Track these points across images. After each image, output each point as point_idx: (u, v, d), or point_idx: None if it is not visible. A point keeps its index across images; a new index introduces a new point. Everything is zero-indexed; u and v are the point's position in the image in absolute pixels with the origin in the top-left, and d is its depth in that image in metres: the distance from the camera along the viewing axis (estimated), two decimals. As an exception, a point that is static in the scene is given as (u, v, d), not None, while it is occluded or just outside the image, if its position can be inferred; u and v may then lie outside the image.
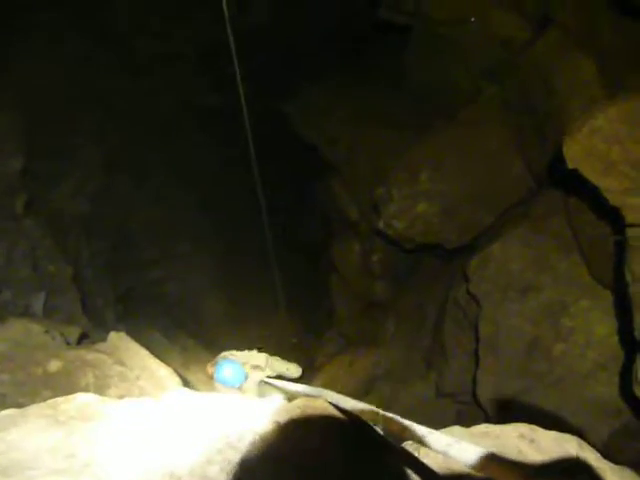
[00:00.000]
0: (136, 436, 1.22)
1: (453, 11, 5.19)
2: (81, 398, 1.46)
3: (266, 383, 4.46)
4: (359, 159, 6.67)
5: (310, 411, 1.41)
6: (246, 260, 10.68)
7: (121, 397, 3.04)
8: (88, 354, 2.97)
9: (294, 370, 4.99)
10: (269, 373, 4.58)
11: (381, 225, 5.51)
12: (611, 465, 1.37)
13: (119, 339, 3.40)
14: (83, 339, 4.22)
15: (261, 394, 4.68)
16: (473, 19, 5.09)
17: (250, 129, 4.95)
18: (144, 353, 3.48)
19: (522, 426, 1.48)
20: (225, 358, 4.46)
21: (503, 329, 4.29)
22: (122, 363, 3.10)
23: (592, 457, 1.36)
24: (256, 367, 4.51)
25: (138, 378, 3.13)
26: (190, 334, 9.52)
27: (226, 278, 10.56)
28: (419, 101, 6.26)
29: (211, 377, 4.46)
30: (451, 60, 5.71)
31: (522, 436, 1.53)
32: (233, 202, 10.16)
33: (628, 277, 3.04)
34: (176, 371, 3.96)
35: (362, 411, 1.39)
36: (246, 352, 4.68)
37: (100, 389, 2.81)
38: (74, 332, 3.90)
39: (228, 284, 10.65)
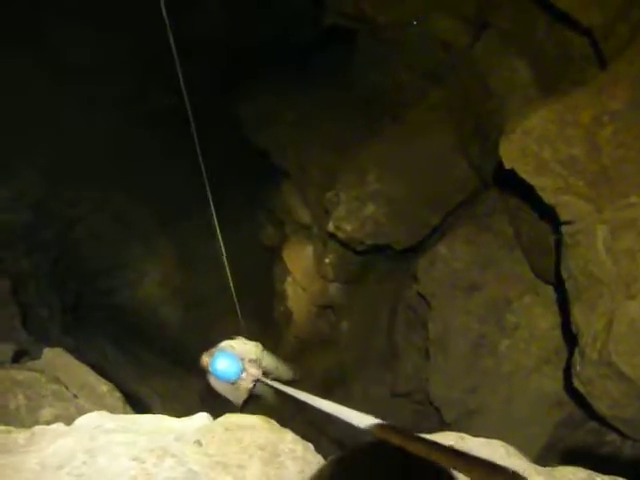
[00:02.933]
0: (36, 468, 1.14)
1: (395, 15, 5.23)
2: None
3: (261, 382, 4.35)
4: (309, 163, 6.65)
5: (234, 428, 1.36)
6: (200, 266, 10.50)
7: (56, 417, 2.91)
8: (19, 374, 2.82)
9: (283, 371, 4.88)
10: (263, 367, 4.45)
11: (331, 227, 5.51)
12: (538, 468, 1.38)
13: (56, 355, 3.25)
14: (21, 356, 4.01)
15: (254, 392, 4.55)
16: (415, 22, 5.15)
17: (199, 134, 4.85)
18: (84, 369, 3.33)
19: (450, 434, 1.47)
20: (222, 349, 4.27)
21: (451, 328, 4.36)
22: (58, 381, 2.96)
23: (519, 462, 1.36)
24: (252, 361, 4.37)
25: (76, 396, 2.99)
26: (144, 344, 9.28)
27: (181, 285, 10.35)
28: (366, 104, 6.30)
29: (205, 369, 4.29)
30: (395, 63, 5.77)
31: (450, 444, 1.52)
32: (185, 208, 9.97)
33: (564, 273, 3.12)
34: (122, 385, 3.82)
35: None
36: (242, 342, 4.52)
37: (32, 410, 2.67)
38: (9, 350, 3.70)
39: (183, 291, 10.45)
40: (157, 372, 8.37)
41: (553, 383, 3.88)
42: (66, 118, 6.58)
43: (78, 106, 6.68)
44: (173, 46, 4.38)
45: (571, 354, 3.66)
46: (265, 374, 4.43)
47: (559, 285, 3.76)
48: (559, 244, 3.27)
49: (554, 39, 3.91)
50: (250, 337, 5.02)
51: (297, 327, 7.82)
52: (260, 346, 4.64)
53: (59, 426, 1.34)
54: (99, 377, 3.21)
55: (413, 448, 0.88)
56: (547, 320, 3.91)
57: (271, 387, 4.24)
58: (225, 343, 4.43)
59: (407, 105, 5.70)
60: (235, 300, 6.73)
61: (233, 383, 4.27)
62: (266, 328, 9.07)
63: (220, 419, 1.40)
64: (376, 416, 1.17)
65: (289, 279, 7.86)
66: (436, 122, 5.29)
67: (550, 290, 4.04)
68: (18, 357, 3.90)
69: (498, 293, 4.13)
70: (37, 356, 3.76)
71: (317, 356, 6.91)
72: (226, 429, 1.34)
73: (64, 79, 6.42)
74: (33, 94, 6.19)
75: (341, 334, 6.53)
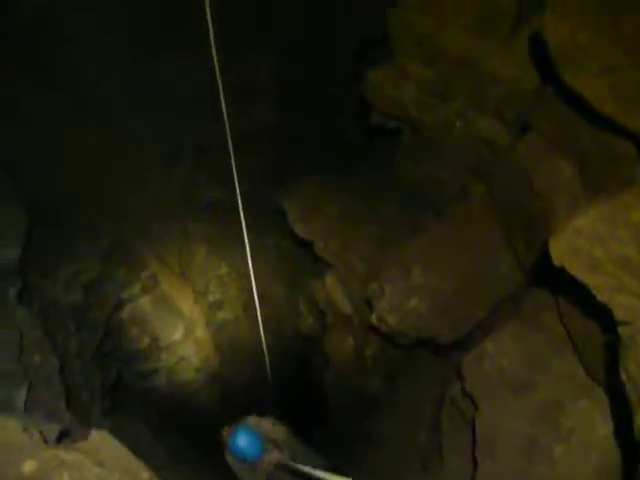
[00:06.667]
0: None
1: (439, 116, 5.52)
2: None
3: (284, 466, 3.92)
4: (352, 255, 6.79)
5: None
6: (238, 351, 10.51)
7: (97, 502, 2.87)
8: (66, 454, 2.83)
9: (312, 462, 4.25)
10: (287, 453, 4.02)
11: (374, 320, 5.50)
12: None
13: (101, 438, 3.26)
14: (64, 437, 4.03)
15: (274, 477, 4.07)
16: (459, 123, 5.42)
17: (246, 222, 5.08)
18: (127, 454, 3.31)
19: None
20: (246, 426, 3.93)
21: (500, 430, 4.15)
22: (102, 464, 2.95)
23: None
24: (276, 443, 3.97)
25: (118, 481, 2.97)
26: (179, 430, 9.14)
27: (218, 373, 10.32)
28: (409, 198, 6.49)
29: (225, 445, 3.94)
30: (438, 159, 6.00)
31: None
32: (227, 294, 10.18)
33: (623, 376, 2.99)
34: (161, 472, 3.74)
35: None
36: (271, 422, 4.15)
37: (76, 493, 2.65)
38: (54, 429, 3.73)
39: (220, 379, 10.39)
40: (190, 461, 8.16)
41: (616, 498, 3.58)
42: (128, 201, 7.04)
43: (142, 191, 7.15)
44: (229, 139, 4.76)
45: (629, 465, 3.42)
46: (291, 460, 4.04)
47: (612, 389, 3.60)
48: (614, 345, 3.17)
49: (599, 141, 4.01)
50: (282, 422, 4.67)
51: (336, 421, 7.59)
52: (289, 430, 4.30)
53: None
54: (141, 463, 3.18)
55: None
56: (607, 426, 3.68)
57: (295, 472, 3.83)
58: (251, 419, 4.10)
59: (450, 200, 5.85)
60: (271, 391, 6.67)
61: (251, 465, 3.91)
62: (303, 422, 8.84)
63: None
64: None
65: (329, 370, 7.75)
66: (480, 218, 5.38)
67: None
68: (61, 437, 3.92)
69: (550, 395, 3.95)
70: (79, 437, 3.78)
71: (357, 451, 6.63)
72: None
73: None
74: (100, 181, 6.69)
75: (382, 430, 6.28)
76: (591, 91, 3.56)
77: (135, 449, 3.44)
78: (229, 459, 4.04)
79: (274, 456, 3.86)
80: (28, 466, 2.72)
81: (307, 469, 3.31)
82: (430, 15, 5.13)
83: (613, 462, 3.70)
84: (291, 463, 3.79)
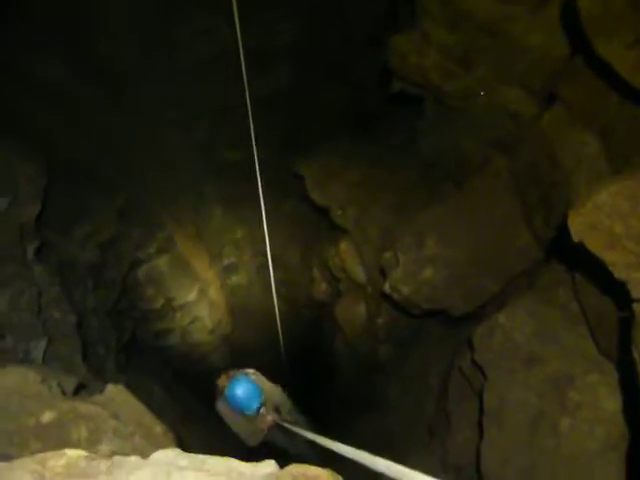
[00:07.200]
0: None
1: (462, 85, 5.39)
2: (69, 454, 1.43)
3: (280, 426, 3.79)
4: (368, 223, 6.77)
5: (301, 477, 1.38)
6: (250, 314, 10.65)
7: (113, 453, 2.97)
8: (83, 406, 2.92)
9: (302, 424, 4.09)
10: (284, 416, 3.83)
11: (387, 289, 5.51)
12: None
13: (117, 392, 3.35)
14: (81, 389, 4.15)
15: (268, 439, 3.88)
16: (482, 93, 5.28)
17: (262, 186, 5.07)
18: (141, 408, 3.41)
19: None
20: (246, 375, 3.91)
21: (508, 401, 4.19)
22: (117, 417, 3.04)
23: None
24: (275, 406, 3.79)
25: (132, 434, 3.06)
26: (191, 389, 9.37)
27: (230, 336, 10.49)
28: (428, 168, 6.42)
29: (220, 391, 3.78)
30: (461, 130, 5.88)
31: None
32: (240, 258, 10.25)
33: (635, 354, 2.98)
34: (173, 428, 3.84)
35: None
36: (272, 384, 3.93)
37: (92, 444, 2.75)
38: (71, 382, 3.84)
39: (232, 341, 10.57)
40: (199, 419, 8.38)
41: (620, 473, 3.62)
42: (145, 163, 7.07)
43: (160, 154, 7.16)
44: (249, 103, 4.70)
45: (636, 442, 3.44)
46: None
47: (624, 365, 3.59)
48: (628, 322, 3.15)
49: (625, 114, 3.90)
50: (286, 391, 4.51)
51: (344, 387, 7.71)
52: (283, 391, 4.08)
53: (137, 459, 1.39)
54: (155, 418, 3.27)
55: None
56: (614, 402, 3.70)
57: (289, 432, 3.65)
58: (251, 371, 3.89)
59: (470, 172, 5.76)
60: (282, 356, 6.75)
61: (249, 417, 3.73)
62: (312, 386, 8.99)
63: (288, 468, 1.42)
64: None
65: (339, 336, 7.83)
66: (499, 190, 5.30)
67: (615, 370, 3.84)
68: (78, 390, 4.04)
69: (560, 368, 3.96)
70: (95, 390, 3.89)
71: (363, 418, 6.75)
72: (294, 478, 1.36)
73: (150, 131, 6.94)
74: (117, 143, 6.71)
75: (390, 398, 6.37)
76: (622, 62, 3.44)
77: (148, 405, 3.51)
78: (222, 409, 3.88)
79: (270, 416, 3.73)
80: (47, 416, 2.82)
81: (304, 432, 3.23)
82: (458, -22, 4.94)
83: (618, 437, 3.72)
84: (287, 425, 3.65)
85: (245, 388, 3.60)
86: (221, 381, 3.74)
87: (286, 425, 3.68)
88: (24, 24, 5.51)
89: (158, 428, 3.19)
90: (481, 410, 4.47)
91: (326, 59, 7.26)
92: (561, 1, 4.28)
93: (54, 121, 6.20)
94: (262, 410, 3.75)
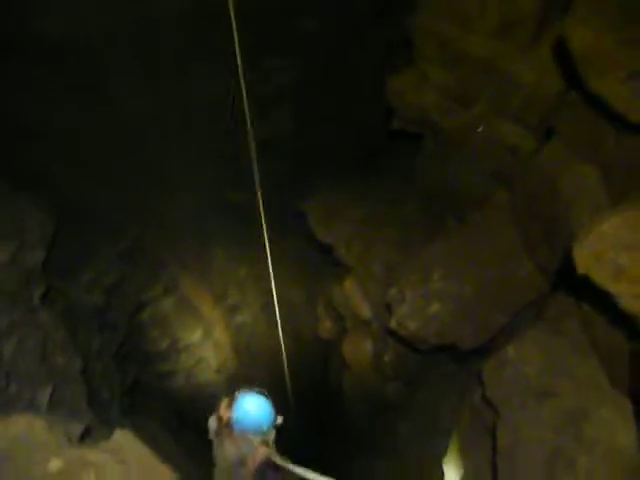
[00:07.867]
0: None
1: (460, 121, 5.50)
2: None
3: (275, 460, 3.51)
4: (372, 259, 6.78)
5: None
6: (256, 353, 10.54)
7: (121, 500, 2.91)
8: (90, 453, 2.89)
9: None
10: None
11: (394, 325, 5.47)
12: None
13: (124, 438, 3.31)
14: (86, 435, 4.11)
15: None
16: (480, 129, 5.38)
17: (267, 227, 5.13)
18: (148, 452, 3.36)
19: None
20: (251, 391, 3.53)
21: (522, 438, 4.09)
22: (125, 463, 3.00)
23: None
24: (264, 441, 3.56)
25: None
26: (197, 433, 9.19)
27: (236, 375, 10.36)
28: (429, 202, 6.47)
29: (225, 423, 3.49)
30: (460, 164, 5.97)
31: None
32: (246, 297, 10.22)
33: (648, 386, 2.95)
34: (179, 470, 3.75)
35: None
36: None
37: (100, 491, 2.70)
38: (77, 428, 3.80)
39: (236, 381, 10.42)
40: (207, 463, 8.20)
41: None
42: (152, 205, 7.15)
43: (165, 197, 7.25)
44: (252, 147, 4.81)
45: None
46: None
47: (636, 398, 3.54)
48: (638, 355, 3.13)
49: (624, 146, 3.96)
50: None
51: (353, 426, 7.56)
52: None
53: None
54: (161, 462, 3.22)
55: None
56: (629, 435, 3.62)
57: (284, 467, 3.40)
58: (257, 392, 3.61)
59: (471, 205, 5.81)
60: (289, 394, 6.67)
61: (260, 435, 3.40)
62: (321, 426, 8.84)
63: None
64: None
65: (347, 374, 7.73)
66: (501, 223, 5.34)
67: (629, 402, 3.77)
68: (84, 435, 3.99)
69: (574, 403, 3.89)
70: (100, 436, 3.84)
71: (372, 457, 6.60)
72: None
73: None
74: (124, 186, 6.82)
75: (400, 437, 6.24)
76: (616, 98, 3.52)
77: (153, 448, 3.37)
78: (232, 436, 3.60)
79: (262, 449, 3.38)
80: (54, 465, 2.78)
81: (295, 468, 3.04)
82: (453, 21, 5.11)
83: (633, 472, 3.62)
84: (280, 460, 3.32)
85: (254, 403, 3.45)
86: (224, 413, 3.54)
87: (282, 463, 3.31)
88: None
89: (166, 474, 3.13)
90: (494, 448, 4.37)
91: (327, 100, 7.43)
92: (552, 42, 4.42)
93: (70, 172, 6.33)
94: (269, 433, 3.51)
